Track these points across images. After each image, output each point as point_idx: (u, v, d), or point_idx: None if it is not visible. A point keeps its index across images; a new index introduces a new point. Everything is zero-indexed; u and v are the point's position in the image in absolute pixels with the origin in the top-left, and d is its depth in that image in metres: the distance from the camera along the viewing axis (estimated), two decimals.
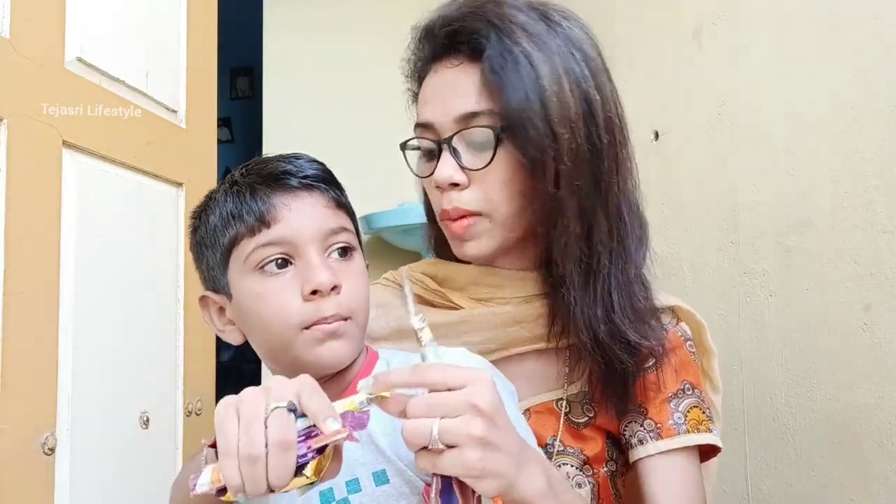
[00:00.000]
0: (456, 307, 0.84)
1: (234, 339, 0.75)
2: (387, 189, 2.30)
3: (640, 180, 0.84)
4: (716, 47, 1.30)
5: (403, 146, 0.83)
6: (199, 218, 0.75)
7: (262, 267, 0.69)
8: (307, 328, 0.68)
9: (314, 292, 0.68)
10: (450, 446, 0.55)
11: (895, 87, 0.94)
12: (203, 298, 0.76)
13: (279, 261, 0.69)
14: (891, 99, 0.95)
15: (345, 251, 0.72)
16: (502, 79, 0.73)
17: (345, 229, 0.72)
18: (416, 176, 0.84)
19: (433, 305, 0.86)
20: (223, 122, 4.26)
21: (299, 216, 0.70)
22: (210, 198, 0.74)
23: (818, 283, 1.07)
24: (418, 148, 0.82)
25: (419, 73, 0.83)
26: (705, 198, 1.32)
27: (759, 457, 1.19)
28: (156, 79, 1.11)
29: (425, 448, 0.55)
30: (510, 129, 0.74)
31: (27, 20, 0.86)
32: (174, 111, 1.17)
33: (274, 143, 2.52)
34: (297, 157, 0.74)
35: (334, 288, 0.68)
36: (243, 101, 4.36)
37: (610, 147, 0.77)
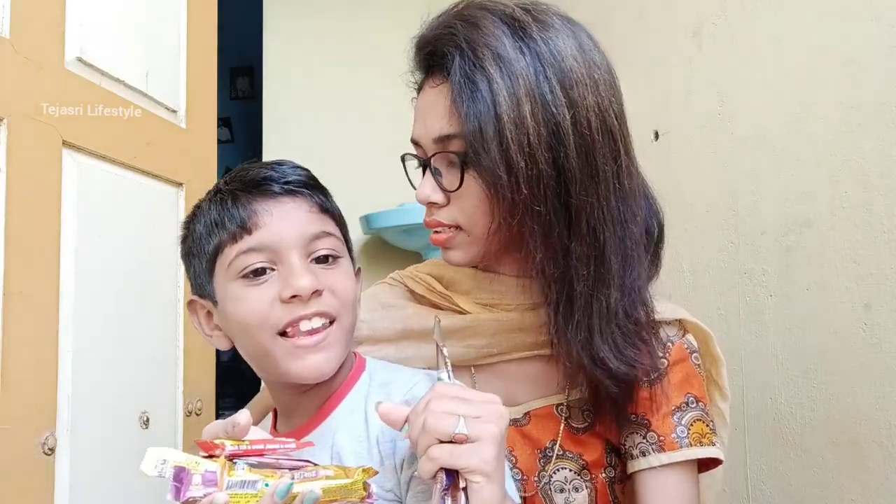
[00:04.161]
0: (461, 311, 0.84)
1: (221, 344, 0.75)
2: (387, 189, 2.30)
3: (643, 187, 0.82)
4: (716, 47, 1.30)
5: (403, 158, 0.84)
6: (188, 227, 0.75)
7: (244, 274, 0.69)
8: (283, 333, 0.68)
9: (294, 297, 0.67)
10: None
11: (895, 87, 0.94)
12: (191, 303, 0.76)
13: (260, 268, 0.69)
14: (891, 99, 0.95)
15: (329, 256, 0.72)
16: (461, 106, 0.72)
17: (329, 234, 0.72)
18: (413, 187, 0.85)
19: (438, 307, 0.86)
20: (223, 122, 4.26)
21: (280, 222, 0.69)
22: (197, 207, 0.75)
23: (818, 283, 1.07)
24: (415, 155, 0.82)
25: (417, 87, 0.83)
26: (705, 198, 1.32)
27: (759, 457, 1.19)
28: (156, 79, 1.11)
29: (441, 442, 0.59)
30: (470, 155, 0.73)
31: (27, 20, 0.86)
32: (174, 111, 1.17)
33: (274, 143, 2.52)
34: (280, 163, 0.74)
35: (316, 292, 0.68)
36: (243, 101, 4.36)
37: (585, 167, 0.72)
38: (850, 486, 1.01)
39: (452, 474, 0.59)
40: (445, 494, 0.59)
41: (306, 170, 0.75)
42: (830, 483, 1.04)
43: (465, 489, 0.59)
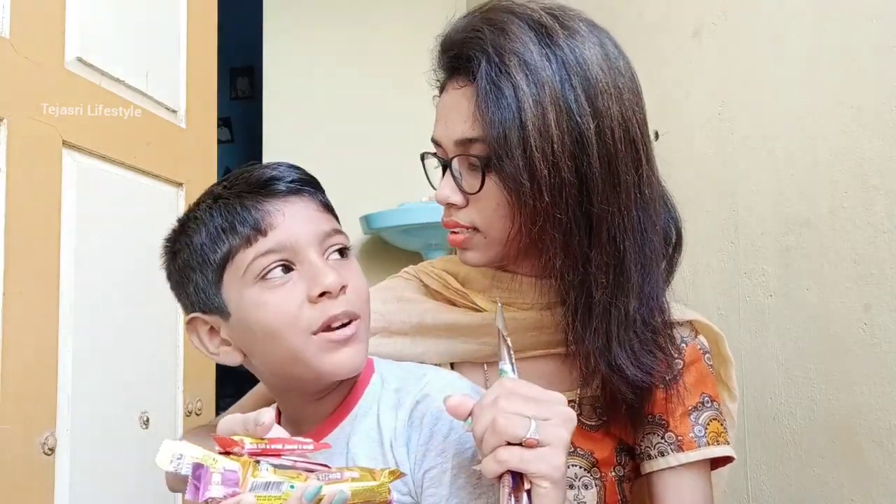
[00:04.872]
0: (478, 309, 0.84)
1: (230, 360, 0.72)
2: (387, 189, 2.30)
3: (662, 196, 0.81)
4: (716, 47, 1.30)
5: (423, 157, 0.84)
6: (179, 241, 0.72)
7: (263, 276, 0.67)
8: (316, 333, 0.67)
9: (322, 294, 0.66)
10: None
11: (895, 87, 0.94)
12: (192, 321, 0.72)
13: (282, 268, 0.67)
14: (891, 99, 0.95)
15: (342, 252, 0.72)
16: (486, 111, 0.71)
17: (338, 231, 0.72)
18: (432, 187, 0.85)
19: (455, 304, 0.86)
20: (223, 122, 4.26)
21: (294, 220, 0.69)
22: (188, 219, 0.72)
23: (818, 283, 1.07)
24: (435, 155, 0.82)
25: (440, 86, 0.83)
26: (705, 198, 1.32)
27: (759, 457, 1.19)
28: (156, 79, 1.11)
29: (510, 444, 0.58)
30: (493, 161, 0.73)
31: (27, 20, 0.86)
32: (174, 111, 1.17)
33: (274, 143, 2.52)
34: (277, 163, 0.73)
35: (342, 288, 0.68)
36: (243, 101, 4.37)
37: (607, 176, 0.73)
38: (850, 486, 1.01)
39: (517, 475, 0.59)
40: (510, 496, 0.58)
41: (302, 169, 0.74)
42: (830, 483, 1.04)
43: (528, 491, 0.58)
